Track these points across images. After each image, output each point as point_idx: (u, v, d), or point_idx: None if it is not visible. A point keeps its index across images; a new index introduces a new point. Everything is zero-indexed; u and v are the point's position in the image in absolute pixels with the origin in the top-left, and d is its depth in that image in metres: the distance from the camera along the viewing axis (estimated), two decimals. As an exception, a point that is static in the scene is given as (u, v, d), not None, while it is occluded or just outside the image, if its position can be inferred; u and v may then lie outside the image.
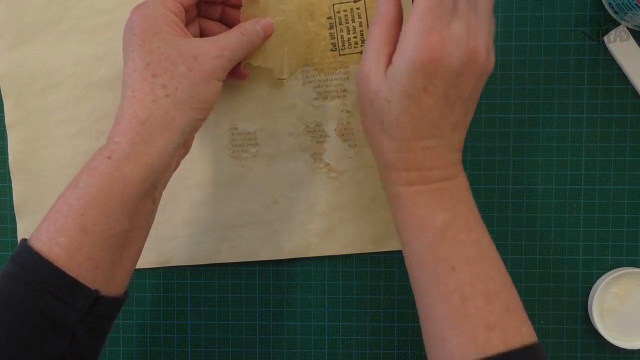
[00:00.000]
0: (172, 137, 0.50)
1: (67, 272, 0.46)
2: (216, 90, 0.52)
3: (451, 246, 0.49)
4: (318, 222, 0.63)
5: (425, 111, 0.49)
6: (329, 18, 0.60)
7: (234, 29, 0.55)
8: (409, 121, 0.49)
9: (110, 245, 0.48)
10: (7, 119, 0.63)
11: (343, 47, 0.61)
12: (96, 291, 0.47)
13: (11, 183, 0.63)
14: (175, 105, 0.50)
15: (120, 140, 0.49)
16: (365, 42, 0.54)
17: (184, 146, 0.54)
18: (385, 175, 0.52)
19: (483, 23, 0.49)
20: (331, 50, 0.61)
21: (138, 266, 0.53)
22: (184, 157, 0.55)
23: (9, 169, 0.63)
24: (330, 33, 0.60)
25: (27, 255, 0.46)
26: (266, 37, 0.56)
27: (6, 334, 0.45)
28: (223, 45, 0.52)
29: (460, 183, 0.52)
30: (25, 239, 0.48)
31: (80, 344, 0.47)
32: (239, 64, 0.57)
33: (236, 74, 0.59)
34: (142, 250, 0.52)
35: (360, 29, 0.60)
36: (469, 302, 0.48)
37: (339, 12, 0.60)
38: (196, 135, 0.58)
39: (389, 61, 0.50)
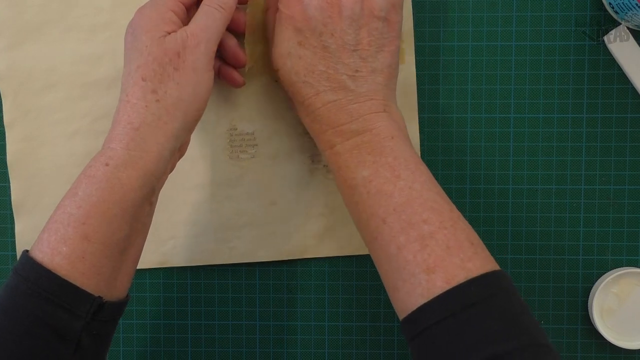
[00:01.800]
0: (167, 142, 0.50)
1: (70, 281, 0.46)
2: (206, 87, 0.51)
3: (377, 200, 0.50)
4: (316, 224, 0.63)
5: (309, 65, 0.52)
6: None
7: (200, 6, 0.52)
8: (300, 80, 0.52)
9: (111, 252, 0.48)
10: (6, 118, 0.63)
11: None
12: (99, 297, 0.47)
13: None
14: (168, 111, 0.49)
15: (116, 147, 0.49)
16: None
17: (180, 149, 0.53)
18: (318, 146, 0.55)
19: None
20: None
21: (137, 266, 0.53)
22: (179, 159, 0.55)
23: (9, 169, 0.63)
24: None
25: (29, 266, 0.46)
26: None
27: (11, 346, 0.45)
28: (195, 29, 0.50)
29: (379, 133, 0.51)
30: (27, 250, 0.48)
31: (85, 351, 0.47)
32: (236, 70, 0.57)
33: (232, 80, 0.58)
34: (141, 252, 0.52)
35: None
36: (405, 250, 0.48)
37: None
38: (195, 136, 0.57)
39: None
